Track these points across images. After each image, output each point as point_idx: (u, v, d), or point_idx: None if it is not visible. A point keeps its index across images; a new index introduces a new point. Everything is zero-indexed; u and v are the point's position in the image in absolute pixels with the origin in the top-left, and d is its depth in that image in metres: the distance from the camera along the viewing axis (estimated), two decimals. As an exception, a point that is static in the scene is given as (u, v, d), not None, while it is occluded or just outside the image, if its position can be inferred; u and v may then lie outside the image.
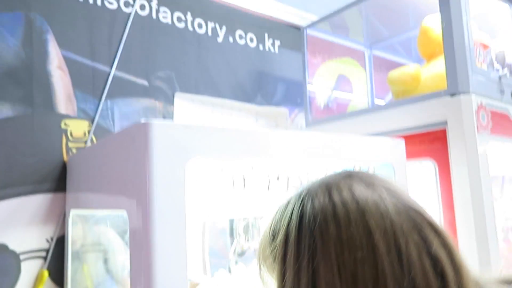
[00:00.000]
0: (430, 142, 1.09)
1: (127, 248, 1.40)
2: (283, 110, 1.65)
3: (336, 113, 1.69)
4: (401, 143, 1.04)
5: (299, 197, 0.49)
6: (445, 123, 1.06)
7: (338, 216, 0.43)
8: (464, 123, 1.02)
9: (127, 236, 1.39)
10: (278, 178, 0.82)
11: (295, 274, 0.44)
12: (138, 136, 0.68)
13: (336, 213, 0.43)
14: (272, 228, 0.52)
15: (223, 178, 0.75)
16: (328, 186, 0.47)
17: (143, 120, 0.67)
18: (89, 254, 1.14)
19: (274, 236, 0.50)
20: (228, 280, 1.31)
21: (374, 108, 1.33)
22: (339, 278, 0.40)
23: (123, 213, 0.73)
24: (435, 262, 0.41)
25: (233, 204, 0.77)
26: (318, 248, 0.43)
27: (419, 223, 0.43)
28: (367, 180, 0.47)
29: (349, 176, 0.48)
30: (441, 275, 0.40)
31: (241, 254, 1.08)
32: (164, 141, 0.66)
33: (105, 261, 1.35)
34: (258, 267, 0.56)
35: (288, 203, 0.50)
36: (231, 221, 1.05)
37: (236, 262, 1.14)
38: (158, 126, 0.66)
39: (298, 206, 0.47)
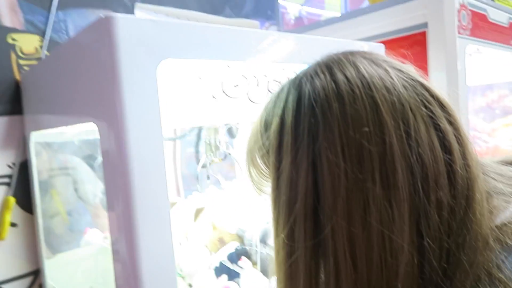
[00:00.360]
0: (409, 47, 1.05)
1: (95, 175, 1.34)
2: (253, 22, 1.54)
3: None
4: (381, 47, 0.99)
5: (294, 81, 0.43)
6: (425, 25, 1.01)
7: (342, 92, 0.38)
8: (446, 23, 0.97)
9: (95, 162, 1.32)
10: (257, 85, 0.75)
11: (293, 160, 0.40)
12: (100, 33, 0.58)
13: (339, 89, 0.39)
14: (263, 119, 0.46)
15: (199, 84, 0.67)
16: (328, 65, 0.42)
17: (103, 15, 0.57)
18: (57, 179, 1.07)
19: (266, 127, 0.45)
20: (203, 200, 1.29)
21: (349, 15, 1.25)
22: (343, 158, 0.37)
23: (90, 127, 0.65)
24: (443, 137, 0.38)
25: (211, 111, 0.71)
26: (319, 128, 0.38)
27: (426, 98, 0.39)
28: (370, 57, 0.42)
29: (350, 53, 0.43)
30: (448, 152, 0.38)
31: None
32: (132, 37, 0.57)
33: (75, 189, 1.29)
34: (247, 169, 0.52)
35: (281, 90, 0.45)
36: (201, 134, 0.99)
37: (208, 177, 1.10)
38: (123, 20, 0.57)
39: (295, 89, 0.42)
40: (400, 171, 0.36)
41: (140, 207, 0.56)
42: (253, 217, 1.16)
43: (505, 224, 0.38)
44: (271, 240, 1.04)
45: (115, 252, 0.60)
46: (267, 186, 0.50)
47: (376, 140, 0.36)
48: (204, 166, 0.93)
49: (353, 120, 0.37)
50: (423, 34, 1.01)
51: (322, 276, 0.39)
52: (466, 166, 0.38)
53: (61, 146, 1.17)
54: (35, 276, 1.04)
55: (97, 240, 1.26)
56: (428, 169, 0.36)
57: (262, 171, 0.50)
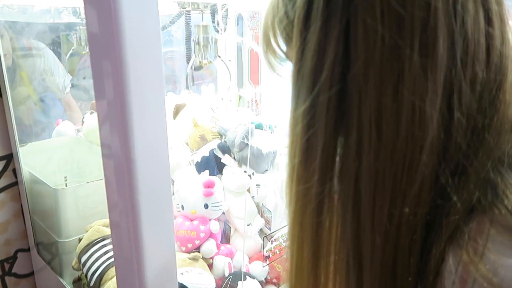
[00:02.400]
0: None
1: (61, 64, 1.18)
2: None
3: None
4: None
5: None
6: None
7: None
8: None
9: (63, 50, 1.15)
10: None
11: (323, 26, 0.33)
12: None
13: None
14: None
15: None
16: None
17: None
18: (24, 60, 0.92)
19: None
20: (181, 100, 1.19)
21: None
22: (382, 22, 0.31)
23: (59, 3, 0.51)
24: (487, 7, 0.33)
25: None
26: None
27: None
28: None
29: None
30: (490, 24, 0.33)
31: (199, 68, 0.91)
32: None
33: (43, 80, 1.15)
34: (264, 54, 0.45)
35: None
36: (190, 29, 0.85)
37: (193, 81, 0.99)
38: None
39: None
40: (441, 39, 0.32)
41: (135, 94, 0.46)
42: (236, 116, 1.09)
43: None
44: (254, 139, 0.98)
45: (105, 147, 0.51)
46: (285, 69, 0.44)
47: (420, 4, 0.31)
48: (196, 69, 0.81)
49: None
50: None
51: (339, 150, 0.37)
52: (504, 43, 0.35)
53: (24, 27, 1.00)
54: (8, 160, 0.96)
55: (70, 132, 1.17)
56: (469, 40, 0.32)
57: (278, 54, 0.44)
